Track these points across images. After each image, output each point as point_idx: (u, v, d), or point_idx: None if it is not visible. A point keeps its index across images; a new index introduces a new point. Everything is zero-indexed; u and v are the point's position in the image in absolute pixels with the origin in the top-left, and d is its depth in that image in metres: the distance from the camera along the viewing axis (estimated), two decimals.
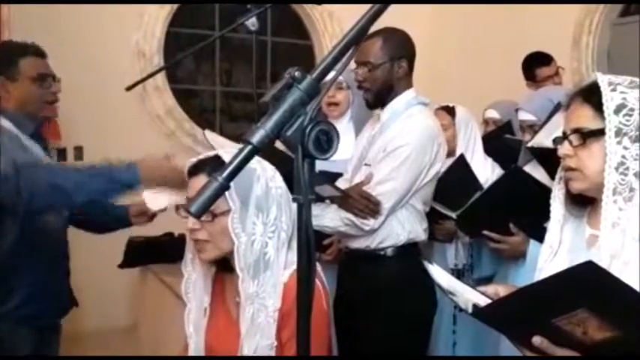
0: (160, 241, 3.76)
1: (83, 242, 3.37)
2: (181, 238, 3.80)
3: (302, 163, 0.75)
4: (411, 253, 2.06)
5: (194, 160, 1.36)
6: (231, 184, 0.75)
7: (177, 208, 1.35)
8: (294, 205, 1.38)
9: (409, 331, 2.05)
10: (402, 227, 2.03)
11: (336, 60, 0.74)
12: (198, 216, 0.72)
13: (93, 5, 4.12)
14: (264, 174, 1.34)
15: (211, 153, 1.37)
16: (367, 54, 2.02)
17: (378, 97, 2.08)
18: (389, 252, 2.05)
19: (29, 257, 1.92)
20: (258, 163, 1.35)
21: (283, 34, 5.17)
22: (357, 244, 2.06)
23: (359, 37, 0.75)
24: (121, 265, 3.73)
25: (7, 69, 1.95)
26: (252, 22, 2.62)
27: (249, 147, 0.74)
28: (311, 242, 0.73)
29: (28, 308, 1.92)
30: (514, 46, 3.96)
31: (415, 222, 2.07)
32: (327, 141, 0.74)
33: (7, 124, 1.92)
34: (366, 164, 2.09)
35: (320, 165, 2.04)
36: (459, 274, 2.40)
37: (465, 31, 5.02)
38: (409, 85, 2.10)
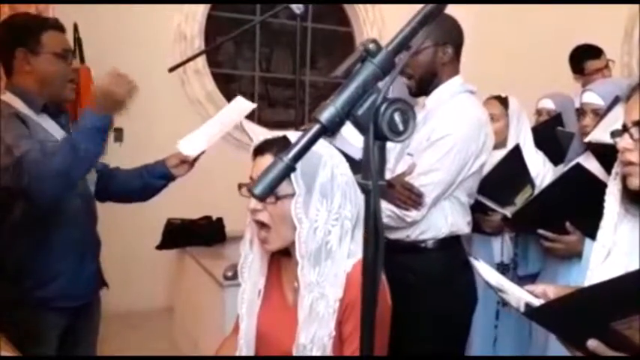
0: (197, 224, 3.78)
1: (121, 223, 3.41)
2: (219, 222, 3.83)
3: (373, 146, 0.69)
4: (452, 247, 2.00)
5: (261, 139, 1.32)
6: (297, 167, 0.70)
7: (240, 187, 1.30)
8: (360, 195, 1.34)
9: (446, 326, 1.98)
10: (444, 219, 1.96)
11: (414, 32, 0.68)
12: (261, 199, 0.67)
13: None
14: (330, 160, 1.29)
15: (279, 134, 1.32)
16: None
17: (421, 83, 2.00)
18: (429, 244, 1.98)
19: (49, 238, 1.83)
20: (325, 149, 1.30)
21: (324, 20, 5.10)
22: (397, 234, 2.00)
23: (437, 11, 0.69)
24: (159, 247, 3.76)
25: (28, 41, 1.82)
26: (297, 6, 2.56)
27: (318, 126, 0.68)
28: (379, 231, 0.68)
29: (49, 291, 1.84)
30: (562, 39, 3.83)
31: (458, 215, 1.99)
32: (403, 122, 0.69)
33: (17, 102, 1.82)
34: (409, 154, 2.01)
35: (351, 152, 1.94)
36: (502, 270, 2.32)
37: (511, 21, 4.88)
38: (455, 72, 2.02)
